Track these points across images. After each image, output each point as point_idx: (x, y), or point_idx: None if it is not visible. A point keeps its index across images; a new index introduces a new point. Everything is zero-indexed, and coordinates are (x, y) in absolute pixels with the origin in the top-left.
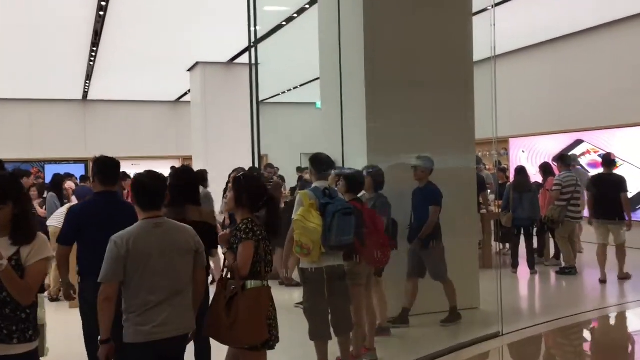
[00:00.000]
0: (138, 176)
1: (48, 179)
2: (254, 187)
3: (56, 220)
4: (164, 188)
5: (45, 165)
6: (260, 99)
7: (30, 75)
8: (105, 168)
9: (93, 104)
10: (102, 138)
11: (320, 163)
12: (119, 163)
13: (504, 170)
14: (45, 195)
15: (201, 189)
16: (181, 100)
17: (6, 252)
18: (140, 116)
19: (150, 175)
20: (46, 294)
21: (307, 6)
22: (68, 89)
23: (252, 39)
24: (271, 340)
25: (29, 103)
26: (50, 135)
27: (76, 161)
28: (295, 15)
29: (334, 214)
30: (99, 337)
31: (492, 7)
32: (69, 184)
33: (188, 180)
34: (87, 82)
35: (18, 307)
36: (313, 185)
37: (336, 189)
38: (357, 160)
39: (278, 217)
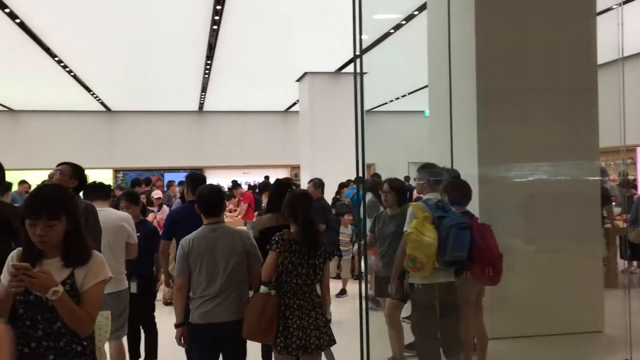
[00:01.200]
0: (200, 190)
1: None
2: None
3: None
4: (221, 199)
5: (165, 174)
6: (368, 107)
7: (151, 89)
8: (196, 182)
9: (208, 115)
10: (215, 148)
11: (433, 174)
12: (204, 178)
13: (631, 182)
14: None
15: None
16: (290, 110)
17: (59, 276)
18: (251, 126)
19: (210, 188)
20: (160, 296)
21: (416, 12)
22: (185, 101)
23: (358, 48)
24: (289, 346)
25: (151, 115)
26: (169, 144)
27: (192, 169)
28: (404, 22)
29: (450, 228)
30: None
31: (619, 5)
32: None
33: (285, 190)
34: (203, 94)
35: (74, 338)
36: (425, 197)
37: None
38: (466, 171)
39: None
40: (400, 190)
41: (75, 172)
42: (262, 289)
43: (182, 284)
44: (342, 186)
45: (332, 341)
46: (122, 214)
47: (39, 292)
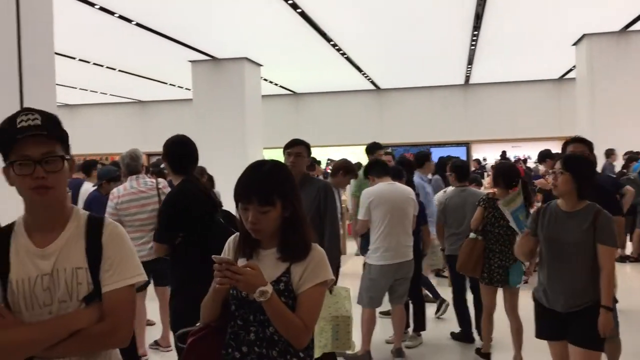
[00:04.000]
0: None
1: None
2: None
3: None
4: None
5: (431, 149)
6: None
7: (416, 65)
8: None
9: (473, 87)
10: (481, 121)
11: None
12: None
13: None
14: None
15: None
16: (565, 77)
17: (273, 271)
18: (520, 97)
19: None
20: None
21: None
22: (450, 75)
23: None
24: (492, 280)
25: (417, 91)
26: (434, 119)
27: (457, 144)
28: None
29: None
30: None
31: None
32: None
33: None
34: (469, 66)
35: (289, 348)
36: None
37: None
38: None
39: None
40: None
41: (309, 150)
42: (471, 235)
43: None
44: (630, 160)
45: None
46: (408, 188)
47: (244, 291)
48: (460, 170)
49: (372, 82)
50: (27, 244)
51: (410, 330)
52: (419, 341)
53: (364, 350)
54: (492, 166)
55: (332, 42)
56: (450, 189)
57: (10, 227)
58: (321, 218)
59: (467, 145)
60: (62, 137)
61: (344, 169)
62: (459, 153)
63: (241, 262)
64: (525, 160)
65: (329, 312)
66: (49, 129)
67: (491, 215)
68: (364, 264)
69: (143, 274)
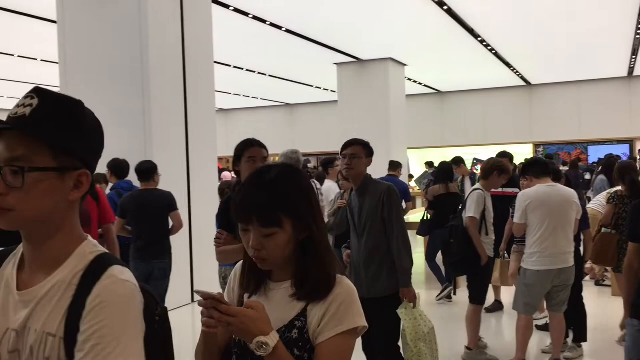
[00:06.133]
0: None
1: (591, 160)
2: None
3: (595, 204)
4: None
5: (588, 147)
6: None
7: (572, 59)
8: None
9: (637, 79)
10: None
11: None
12: None
13: None
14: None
15: None
16: None
17: (285, 311)
18: None
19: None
20: (588, 277)
21: None
22: (610, 68)
23: None
24: None
25: (572, 85)
26: (592, 115)
27: (619, 141)
28: None
29: None
30: None
31: None
32: None
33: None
34: (633, 57)
35: None
36: None
37: None
38: None
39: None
40: None
41: (369, 150)
42: (604, 230)
43: None
44: None
45: None
46: (571, 191)
47: (238, 337)
48: None
49: (522, 78)
50: (10, 278)
51: (569, 340)
52: (579, 353)
53: (518, 359)
54: None
55: (479, 39)
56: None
57: (11, 250)
58: (386, 227)
59: (630, 142)
60: (58, 137)
61: (499, 168)
62: (621, 151)
63: (246, 298)
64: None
65: (421, 329)
66: (33, 123)
67: (622, 210)
68: (519, 269)
69: None
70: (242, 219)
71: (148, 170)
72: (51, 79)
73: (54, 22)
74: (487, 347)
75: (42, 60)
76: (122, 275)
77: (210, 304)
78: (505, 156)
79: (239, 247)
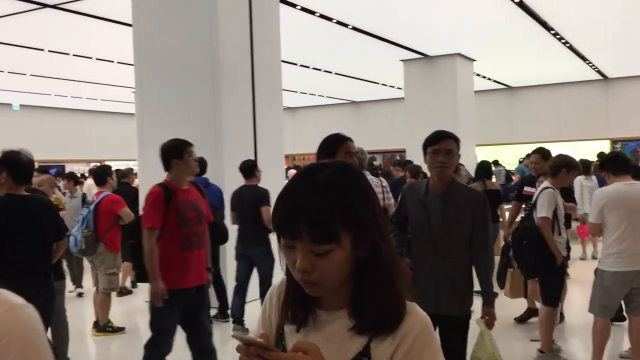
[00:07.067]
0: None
1: None
2: None
3: None
4: None
5: None
6: None
7: None
8: None
9: None
10: None
11: None
12: None
13: None
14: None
15: None
16: None
17: (340, 350)
18: None
19: None
20: None
21: None
22: None
23: None
24: None
25: None
26: None
27: None
28: None
29: None
30: None
31: None
32: None
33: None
34: None
35: None
36: None
37: None
38: None
39: None
40: None
41: (459, 146)
42: None
43: None
44: None
45: None
46: None
47: None
48: None
49: (598, 72)
50: None
51: None
52: None
53: None
54: None
55: (553, 31)
56: None
57: None
58: (472, 240)
59: None
60: None
61: (567, 165)
62: None
63: (288, 331)
64: None
65: (492, 355)
66: None
67: None
68: (596, 270)
69: None
70: (286, 232)
71: (248, 167)
72: (127, 80)
73: (130, 25)
74: (561, 350)
75: (118, 62)
76: (14, 299)
77: (254, 351)
78: (540, 152)
79: None
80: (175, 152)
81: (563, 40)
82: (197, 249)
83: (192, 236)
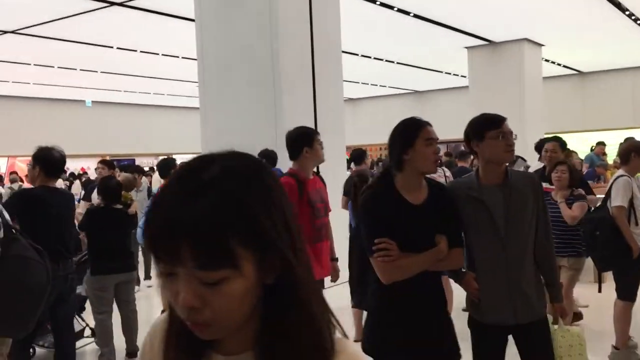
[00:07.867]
0: None
1: None
2: None
3: None
4: None
5: None
6: None
7: None
8: None
9: None
10: None
11: None
12: None
13: None
14: None
15: None
16: None
17: None
18: None
19: None
20: None
21: None
22: None
23: None
24: None
25: None
26: None
27: None
28: None
29: None
30: None
31: None
32: None
33: None
34: None
35: None
36: None
37: None
38: None
39: None
40: None
41: None
42: None
43: None
44: None
45: None
46: None
47: None
48: None
49: None
50: None
51: None
52: None
53: None
54: None
55: (627, 12)
56: None
57: None
58: (537, 228)
59: None
60: None
61: (635, 149)
62: None
63: None
64: None
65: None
66: None
67: None
68: None
69: None
70: (163, 253)
71: (358, 155)
72: (191, 75)
73: (192, 20)
74: (638, 347)
75: (182, 58)
76: None
77: None
78: (556, 140)
79: (423, 258)
80: (306, 140)
81: (639, 22)
82: (326, 241)
83: (322, 227)
